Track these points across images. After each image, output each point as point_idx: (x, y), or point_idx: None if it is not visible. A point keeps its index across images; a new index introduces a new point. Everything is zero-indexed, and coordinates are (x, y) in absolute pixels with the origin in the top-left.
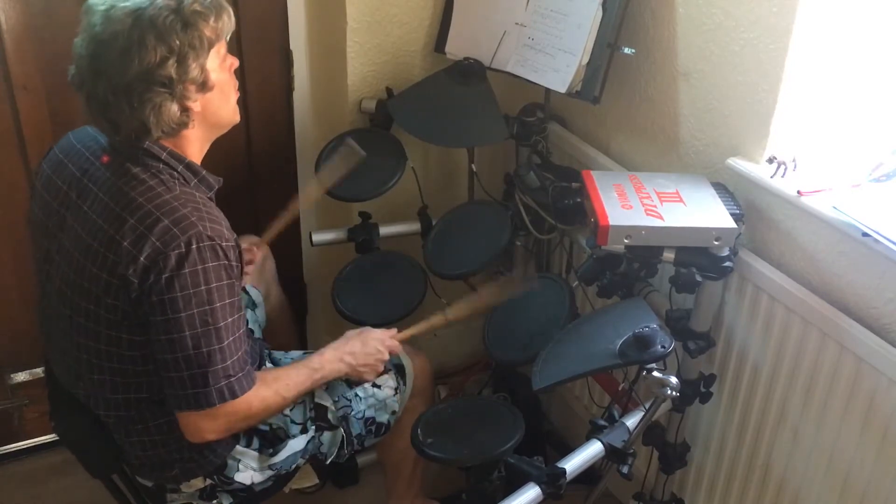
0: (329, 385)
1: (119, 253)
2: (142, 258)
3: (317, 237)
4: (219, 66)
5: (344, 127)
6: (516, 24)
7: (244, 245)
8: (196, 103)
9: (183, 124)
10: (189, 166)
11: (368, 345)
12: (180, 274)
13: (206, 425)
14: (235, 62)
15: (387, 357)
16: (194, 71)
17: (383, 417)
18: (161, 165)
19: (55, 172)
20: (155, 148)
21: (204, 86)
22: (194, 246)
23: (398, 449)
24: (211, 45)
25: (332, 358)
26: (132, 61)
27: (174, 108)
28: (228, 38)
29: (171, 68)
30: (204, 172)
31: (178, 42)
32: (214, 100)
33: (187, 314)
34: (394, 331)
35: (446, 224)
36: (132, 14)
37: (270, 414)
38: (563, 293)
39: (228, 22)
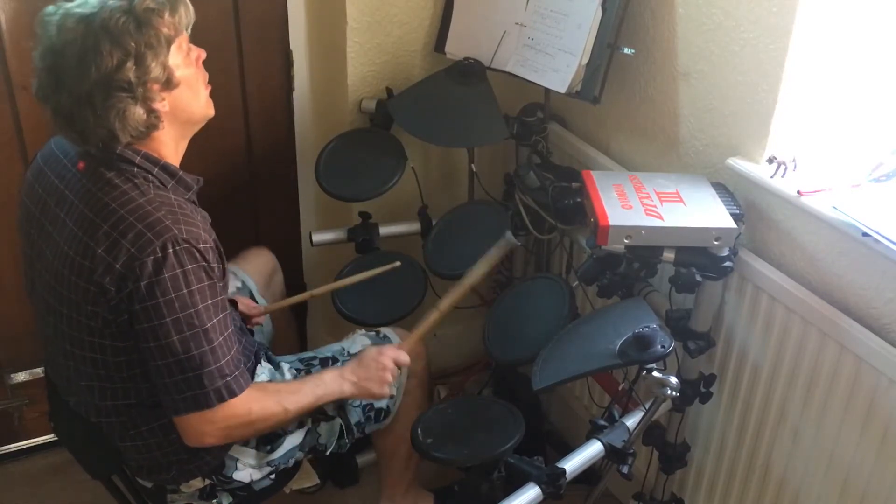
0: None
1: (94, 260)
2: (117, 265)
3: (317, 237)
4: (183, 60)
5: (344, 127)
6: (516, 24)
7: (244, 308)
8: (163, 103)
9: (152, 126)
10: (165, 168)
11: (365, 359)
12: (159, 280)
13: (205, 429)
14: (202, 53)
15: (391, 366)
16: (155, 70)
17: (381, 402)
18: (135, 169)
19: (36, 180)
20: (128, 152)
21: (169, 83)
22: (170, 250)
23: (394, 434)
24: (170, 42)
25: (333, 375)
26: (89, 69)
27: (139, 111)
28: (189, 30)
29: (129, 71)
30: (181, 173)
31: (133, 43)
32: (183, 96)
33: (172, 318)
34: (394, 345)
35: (446, 224)
36: (84, 21)
37: (271, 424)
38: (563, 293)
39: (186, 14)
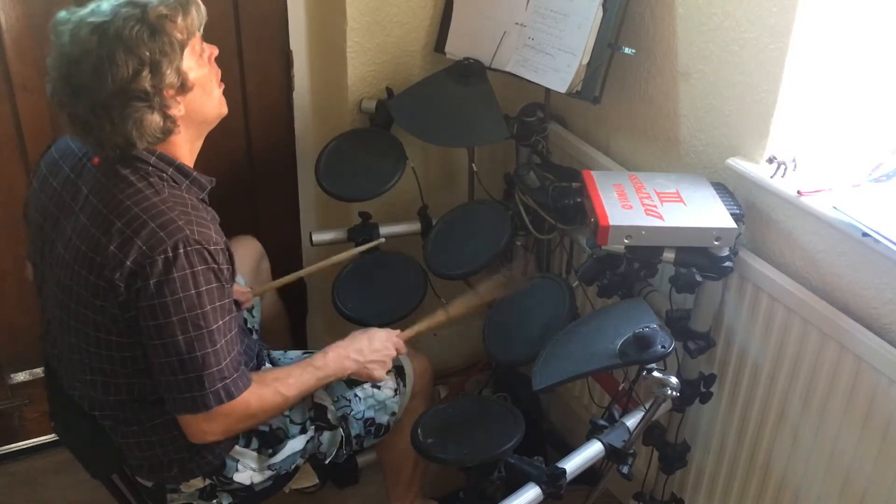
0: (328, 385)
1: (105, 256)
2: (128, 262)
3: (317, 237)
4: (196, 62)
5: (344, 127)
6: (516, 24)
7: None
8: (179, 107)
9: (168, 131)
10: (179, 168)
11: (375, 341)
12: (169, 279)
13: (206, 427)
14: (215, 51)
15: (394, 354)
16: (170, 77)
17: (383, 419)
18: (150, 168)
19: (50, 173)
20: (143, 153)
21: (183, 87)
22: (181, 250)
23: (398, 450)
24: (183, 46)
25: (337, 356)
26: (105, 79)
27: (156, 118)
28: (202, 28)
29: (145, 80)
30: (195, 174)
31: (147, 52)
32: (197, 98)
33: (178, 318)
34: (397, 331)
35: (446, 224)
36: (97, 30)
37: (271, 414)
38: (563, 293)
39: (198, 15)
